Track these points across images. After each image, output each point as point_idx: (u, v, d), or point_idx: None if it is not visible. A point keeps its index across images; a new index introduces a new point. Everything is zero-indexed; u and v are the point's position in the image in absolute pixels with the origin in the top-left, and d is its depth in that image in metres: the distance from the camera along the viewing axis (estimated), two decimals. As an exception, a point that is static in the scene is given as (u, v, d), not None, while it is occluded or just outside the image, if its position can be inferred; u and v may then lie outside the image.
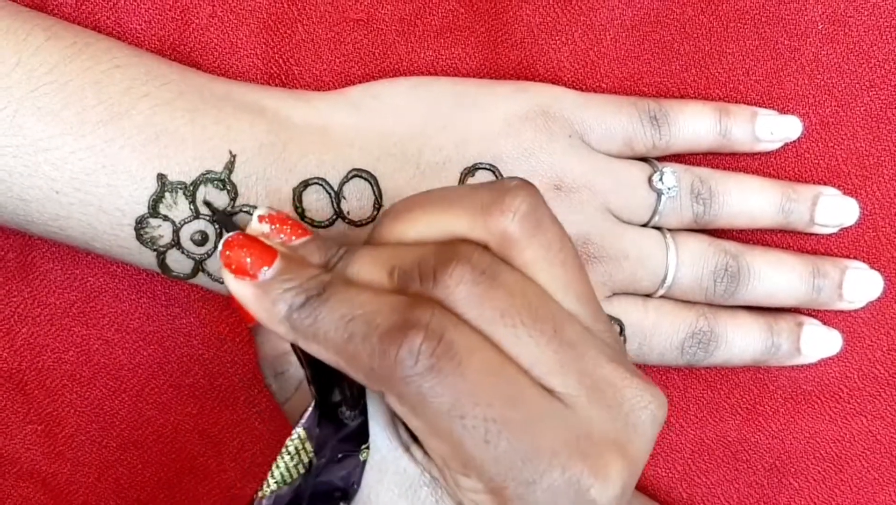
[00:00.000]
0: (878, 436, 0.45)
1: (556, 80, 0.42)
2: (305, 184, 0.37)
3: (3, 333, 0.42)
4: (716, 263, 0.41)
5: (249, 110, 0.38)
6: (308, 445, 0.31)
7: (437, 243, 0.29)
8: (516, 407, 0.28)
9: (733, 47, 0.43)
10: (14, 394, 0.43)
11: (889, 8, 0.43)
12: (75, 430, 0.43)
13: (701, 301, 0.42)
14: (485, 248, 0.29)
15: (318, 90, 0.41)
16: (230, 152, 0.37)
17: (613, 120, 0.41)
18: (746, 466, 0.45)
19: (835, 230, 0.43)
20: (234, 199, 0.37)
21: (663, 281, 0.41)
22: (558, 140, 0.39)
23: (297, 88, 0.41)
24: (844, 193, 0.43)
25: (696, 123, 0.41)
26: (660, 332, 0.41)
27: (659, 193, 0.41)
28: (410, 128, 0.39)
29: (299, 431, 0.30)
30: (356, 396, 0.31)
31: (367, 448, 0.31)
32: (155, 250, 0.37)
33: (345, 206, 0.38)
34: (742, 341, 0.42)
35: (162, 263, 0.38)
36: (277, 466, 0.30)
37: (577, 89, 0.42)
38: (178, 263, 0.38)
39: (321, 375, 0.31)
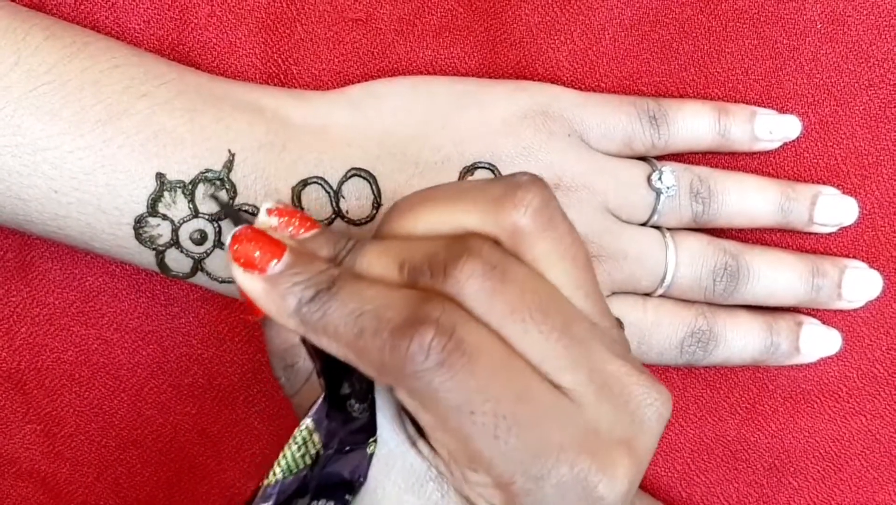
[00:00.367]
0: (878, 435, 0.45)
1: (555, 80, 0.42)
2: (304, 183, 0.37)
3: (2, 333, 0.42)
4: (715, 263, 0.41)
5: (248, 110, 0.38)
6: (316, 437, 0.31)
7: (448, 237, 0.29)
8: (525, 403, 0.28)
9: (732, 47, 0.43)
10: (13, 393, 0.43)
11: (888, 8, 0.43)
12: (74, 429, 0.43)
13: (700, 300, 0.42)
14: (495, 242, 0.29)
15: (317, 89, 0.41)
16: (229, 151, 0.37)
17: (612, 119, 0.41)
18: (746, 466, 0.45)
19: (834, 229, 0.43)
20: (233, 198, 0.37)
21: (662, 280, 0.41)
22: (557, 139, 0.39)
23: (295, 88, 0.41)
24: (843, 193, 0.43)
25: (695, 123, 0.41)
26: (659, 331, 0.41)
27: (658, 193, 0.41)
28: (409, 127, 0.39)
29: (308, 421, 0.30)
30: (365, 389, 0.31)
31: (375, 442, 0.31)
32: (154, 249, 0.37)
33: (344, 205, 0.38)
34: (741, 341, 0.42)
35: (161, 262, 0.38)
36: (284, 456, 0.30)
37: (576, 89, 0.42)
38: (177, 262, 0.38)
39: (331, 368, 0.30)
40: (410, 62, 0.42)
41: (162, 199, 0.36)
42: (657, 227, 0.42)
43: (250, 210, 0.37)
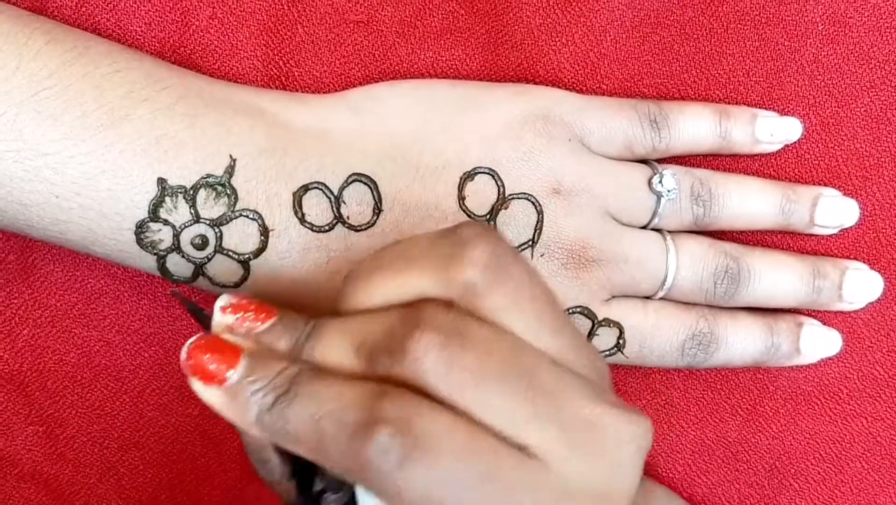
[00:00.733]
0: (878, 437, 0.45)
1: (556, 82, 0.42)
2: (305, 188, 0.37)
3: (4, 335, 0.43)
4: (716, 265, 0.41)
5: (249, 113, 0.38)
6: None
7: (402, 308, 0.29)
8: (492, 481, 0.28)
9: (733, 48, 0.43)
10: (15, 395, 0.43)
11: (889, 9, 0.43)
12: (76, 431, 0.43)
13: (701, 303, 0.42)
14: (449, 304, 0.29)
15: (318, 92, 0.41)
16: (230, 156, 0.37)
17: (613, 123, 0.41)
18: (746, 467, 0.45)
19: (835, 231, 0.43)
20: (234, 203, 0.37)
21: (663, 283, 0.41)
22: (558, 144, 0.39)
23: (297, 91, 0.41)
24: (844, 194, 0.43)
25: (695, 126, 0.41)
26: (660, 334, 0.41)
27: (658, 196, 0.41)
28: (410, 131, 0.39)
29: None
30: (338, 481, 0.31)
31: None
32: (155, 254, 0.37)
33: (345, 210, 0.38)
34: (742, 342, 0.42)
35: (162, 267, 0.38)
36: None
37: (577, 91, 0.42)
38: (179, 267, 0.38)
39: (302, 465, 0.31)
40: (412, 64, 0.42)
41: (163, 204, 0.36)
42: (658, 230, 0.42)
43: (250, 216, 0.37)
